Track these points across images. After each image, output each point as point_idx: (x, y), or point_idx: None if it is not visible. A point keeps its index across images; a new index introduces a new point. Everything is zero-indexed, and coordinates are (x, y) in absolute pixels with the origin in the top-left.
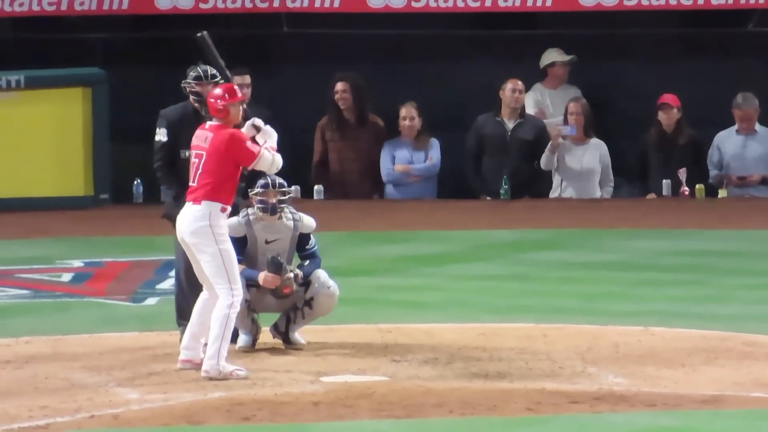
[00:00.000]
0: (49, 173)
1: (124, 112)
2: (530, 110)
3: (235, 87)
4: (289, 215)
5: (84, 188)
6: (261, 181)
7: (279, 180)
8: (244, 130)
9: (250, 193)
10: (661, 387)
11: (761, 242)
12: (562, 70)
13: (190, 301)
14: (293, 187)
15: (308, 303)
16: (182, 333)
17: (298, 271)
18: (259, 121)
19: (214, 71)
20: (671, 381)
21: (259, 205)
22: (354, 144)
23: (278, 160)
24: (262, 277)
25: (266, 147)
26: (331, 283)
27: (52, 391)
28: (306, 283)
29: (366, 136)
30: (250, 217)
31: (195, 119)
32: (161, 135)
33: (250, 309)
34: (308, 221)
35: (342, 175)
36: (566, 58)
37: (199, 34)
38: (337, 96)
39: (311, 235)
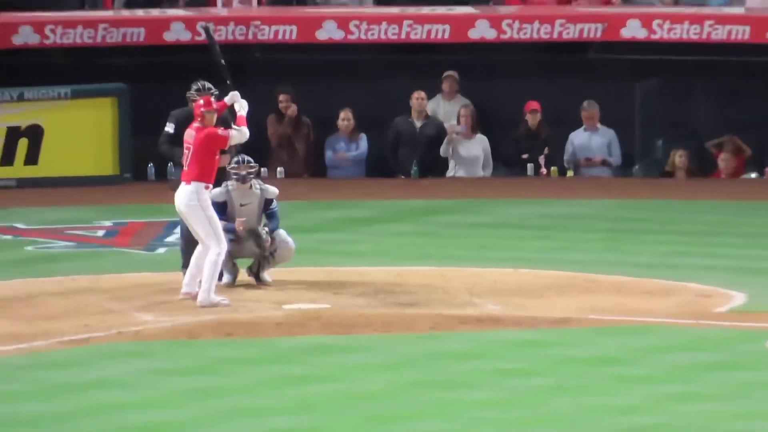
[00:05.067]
0: (87, 158)
1: (141, 115)
2: (431, 114)
3: (211, 99)
4: (257, 185)
5: (112, 169)
6: (235, 159)
7: (248, 158)
8: (226, 99)
9: (227, 168)
10: (526, 312)
11: (599, 208)
12: (453, 85)
13: (191, 252)
14: (263, 169)
15: (272, 253)
16: (184, 274)
17: (266, 230)
18: (237, 95)
19: (210, 85)
20: (533, 307)
21: (234, 176)
22: (290, 137)
23: (245, 133)
24: (238, 223)
25: (234, 127)
26: (290, 239)
27: (91, 314)
28: (271, 239)
29: (300, 131)
30: (229, 188)
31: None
32: (169, 127)
33: (232, 256)
34: (272, 189)
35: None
36: (450, 73)
37: (204, 26)
38: (281, 105)
39: (274, 201)
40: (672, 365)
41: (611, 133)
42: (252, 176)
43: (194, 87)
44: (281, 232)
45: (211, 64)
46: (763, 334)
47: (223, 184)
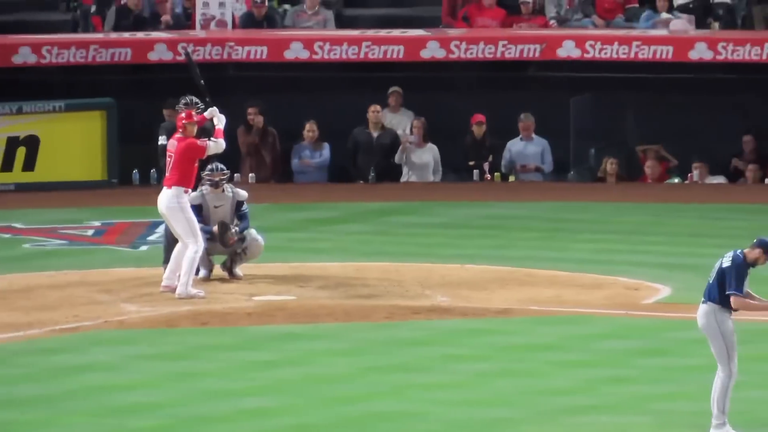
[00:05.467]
0: (79, 165)
1: (127, 126)
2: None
3: (192, 113)
4: (229, 189)
5: (101, 175)
6: (209, 166)
7: (221, 165)
8: (206, 114)
9: (202, 174)
10: (472, 303)
11: (538, 209)
12: (398, 99)
13: (172, 249)
14: (235, 175)
15: (244, 250)
16: (164, 269)
17: (236, 228)
18: (215, 110)
19: (197, 100)
20: (478, 299)
21: (208, 181)
22: (259, 145)
23: (221, 144)
24: (215, 229)
25: (211, 139)
26: (260, 237)
27: (80, 305)
28: (242, 237)
29: (267, 140)
30: (204, 192)
31: None
32: (162, 140)
33: (208, 254)
34: (242, 193)
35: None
36: (395, 89)
37: (185, 51)
38: (249, 117)
39: (244, 203)
40: (604, 351)
41: (544, 142)
42: (224, 181)
43: (183, 101)
44: (252, 231)
45: (189, 81)
46: (686, 323)
47: (198, 189)
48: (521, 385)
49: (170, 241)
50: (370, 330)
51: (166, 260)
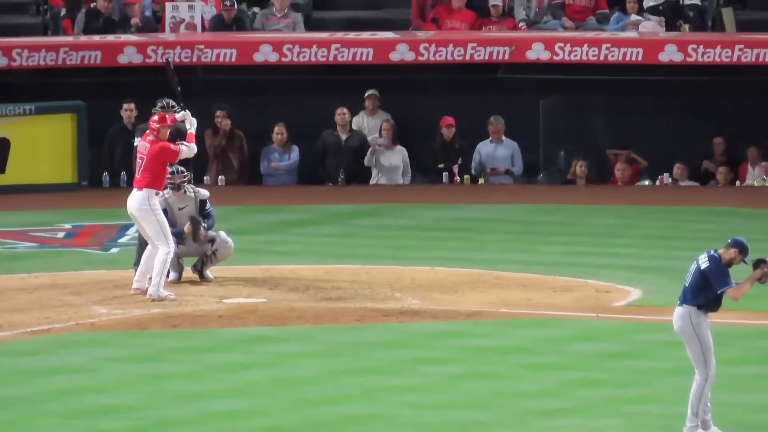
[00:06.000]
0: (49, 168)
1: (96, 129)
2: (356, 128)
3: (166, 115)
4: (191, 189)
5: (71, 177)
6: (169, 169)
7: (181, 168)
8: (178, 116)
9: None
10: (442, 305)
11: (508, 212)
12: (375, 102)
13: (139, 251)
14: (205, 178)
15: (214, 253)
16: (135, 271)
17: (205, 224)
18: (188, 114)
19: (174, 103)
20: (448, 302)
21: (169, 184)
22: (226, 148)
23: (193, 148)
24: (186, 228)
25: (184, 143)
26: (230, 239)
27: (51, 307)
28: (212, 239)
29: (234, 143)
30: (166, 196)
31: None
32: (137, 141)
33: (178, 257)
34: (203, 192)
35: (220, 169)
36: (371, 92)
37: (165, 59)
38: (217, 119)
39: (207, 202)
40: (575, 354)
41: (514, 145)
42: (185, 183)
43: (159, 104)
44: (222, 233)
45: (159, 82)
46: (657, 326)
47: (161, 194)
48: (492, 387)
49: (142, 243)
50: (340, 332)
51: (137, 262)
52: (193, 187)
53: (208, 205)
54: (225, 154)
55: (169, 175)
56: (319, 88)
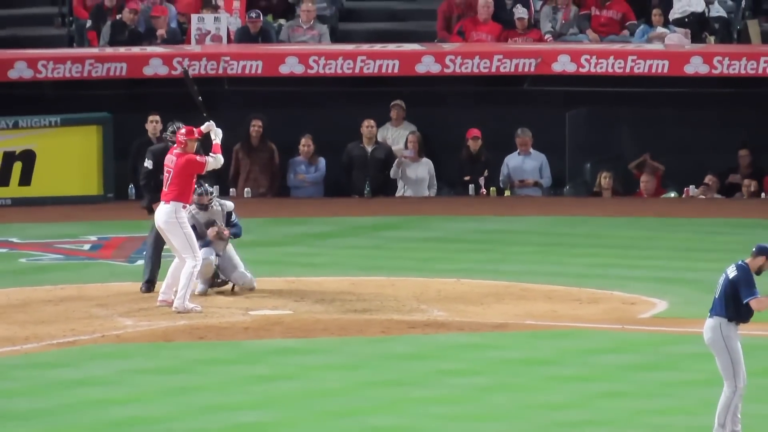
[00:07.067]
0: (74, 180)
1: (123, 141)
2: (381, 140)
3: (193, 129)
4: (216, 203)
5: (97, 189)
6: (198, 190)
7: (209, 188)
8: (203, 128)
9: (193, 195)
10: (467, 317)
11: (533, 224)
12: (401, 113)
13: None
14: (231, 190)
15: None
16: (143, 281)
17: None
18: (212, 124)
19: (180, 125)
20: (474, 313)
21: (198, 204)
22: (257, 160)
23: (219, 159)
24: (209, 233)
25: (210, 154)
26: (249, 277)
27: (77, 319)
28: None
29: (266, 155)
30: (193, 212)
31: None
32: (148, 164)
33: (216, 271)
34: (229, 204)
35: (250, 181)
36: (397, 102)
37: (183, 68)
38: (252, 129)
39: (233, 213)
40: (600, 366)
41: (542, 157)
42: (212, 202)
43: (170, 129)
44: (247, 275)
45: (184, 95)
46: (683, 338)
47: (187, 210)
48: (517, 399)
49: (152, 253)
50: (365, 344)
51: (147, 272)
52: (218, 200)
53: (233, 217)
54: (256, 166)
55: (196, 196)
56: (344, 100)
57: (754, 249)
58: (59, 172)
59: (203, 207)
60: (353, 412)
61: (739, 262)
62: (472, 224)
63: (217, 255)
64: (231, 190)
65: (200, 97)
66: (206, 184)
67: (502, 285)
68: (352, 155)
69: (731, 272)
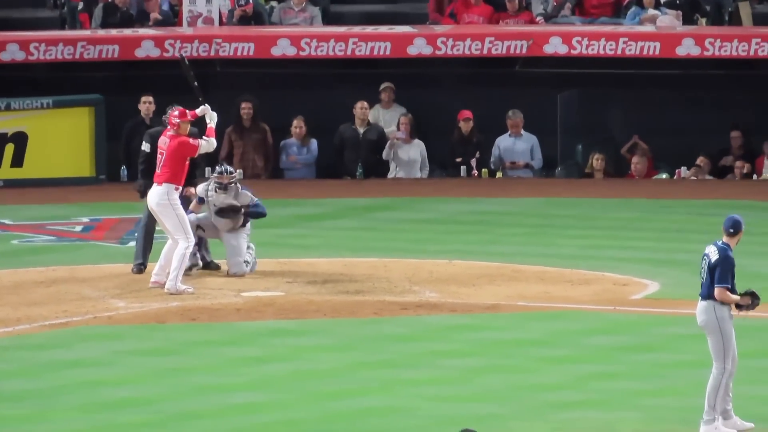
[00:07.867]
0: (67, 161)
1: (114, 123)
2: (373, 121)
3: (186, 111)
4: (238, 186)
5: (89, 171)
6: (218, 168)
7: (229, 168)
8: (198, 111)
9: (212, 176)
10: (459, 298)
11: (525, 205)
12: (391, 95)
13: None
14: (238, 171)
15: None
16: (135, 262)
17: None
18: (207, 108)
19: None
20: (466, 295)
21: (217, 184)
22: (250, 141)
23: (212, 143)
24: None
25: (203, 137)
26: (243, 268)
27: (69, 301)
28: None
29: (259, 135)
30: (209, 192)
31: None
32: (145, 147)
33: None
34: (244, 196)
35: (245, 162)
36: (387, 84)
37: (180, 54)
38: (243, 111)
39: (251, 199)
40: (592, 347)
41: (534, 138)
42: (233, 184)
43: (169, 111)
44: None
45: (176, 77)
46: (674, 319)
47: (206, 184)
48: (509, 380)
49: (144, 234)
50: (358, 326)
51: (139, 253)
52: (239, 186)
53: (253, 201)
54: (249, 147)
55: (216, 174)
56: (337, 82)
57: (728, 228)
58: (51, 153)
59: (223, 187)
60: (345, 393)
61: (719, 243)
62: (464, 206)
63: (200, 228)
64: (238, 171)
65: (196, 83)
66: (227, 165)
67: (494, 266)
68: (344, 137)
69: (713, 255)
